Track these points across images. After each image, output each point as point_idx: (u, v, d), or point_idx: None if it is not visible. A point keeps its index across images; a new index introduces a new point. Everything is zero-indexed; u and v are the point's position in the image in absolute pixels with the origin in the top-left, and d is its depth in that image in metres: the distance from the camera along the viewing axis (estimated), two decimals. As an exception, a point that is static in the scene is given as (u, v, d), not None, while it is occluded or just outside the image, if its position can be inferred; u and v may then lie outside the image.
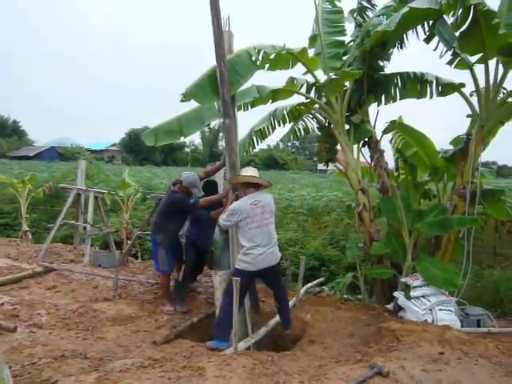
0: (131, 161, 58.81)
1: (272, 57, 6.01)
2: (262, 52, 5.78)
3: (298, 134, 8.29)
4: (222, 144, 73.83)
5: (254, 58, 5.68)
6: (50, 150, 59.64)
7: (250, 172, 5.27)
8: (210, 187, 6.41)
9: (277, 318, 5.57)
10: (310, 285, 7.49)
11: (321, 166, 57.25)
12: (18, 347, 4.57)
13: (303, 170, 56.65)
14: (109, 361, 4.33)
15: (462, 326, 5.68)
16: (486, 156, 6.56)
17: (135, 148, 63.88)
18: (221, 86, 5.34)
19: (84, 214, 9.66)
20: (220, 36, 5.31)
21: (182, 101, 5.49)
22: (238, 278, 4.47)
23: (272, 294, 5.57)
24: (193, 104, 5.88)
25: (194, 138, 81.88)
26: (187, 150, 70.70)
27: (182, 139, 6.76)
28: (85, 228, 9.47)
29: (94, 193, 9.05)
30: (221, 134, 72.79)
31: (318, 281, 7.94)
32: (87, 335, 5.15)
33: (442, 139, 7.27)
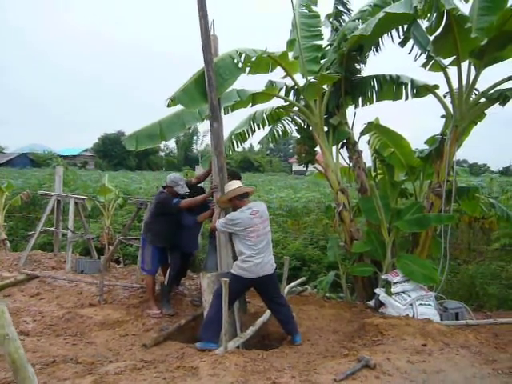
0: (105, 166, 58.11)
1: (253, 60, 6.11)
2: (243, 55, 5.88)
3: (277, 136, 8.42)
4: (196, 148, 73.71)
5: (236, 61, 5.78)
6: (21, 157, 58.42)
7: (235, 185, 5.33)
8: (198, 192, 6.49)
9: (263, 317, 5.67)
10: (292, 284, 7.61)
11: (296, 168, 57.65)
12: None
13: (278, 172, 56.90)
14: (100, 365, 4.36)
15: (442, 320, 5.88)
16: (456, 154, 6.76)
17: (108, 153, 63.18)
18: (209, 89, 5.41)
19: (63, 221, 9.61)
20: (207, 40, 5.37)
21: (169, 105, 5.56)
22: (227, 279, 4.58)
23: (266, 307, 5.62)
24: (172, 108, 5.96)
25: (169, 142, 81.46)
26: (161, 154, 70.20)
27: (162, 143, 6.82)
28: (64, 235, 9.42)
29: (75, 199, 9.01)
30: (195, 138, 72.70)
31: (299, 280, 8.07)
32: (76, 340, 5.18)
33: (413, 138, 7.46)
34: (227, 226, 5.11)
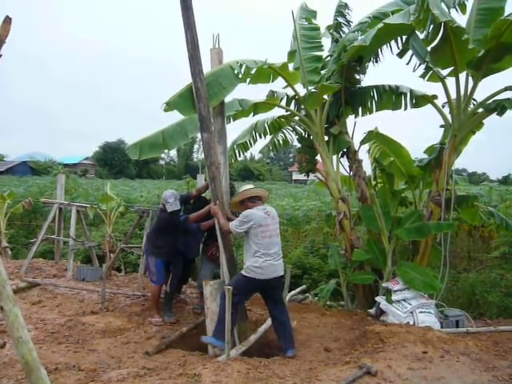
0: (105, 174, 58.25)
1: (253, 71, 6.20)
2: (244, 66, 5.98)
3: (278, 145, 8.51)
4: (197, 156, 73.87)
5: (236, 72, 5.86)
6: (21, 165, 58.62)
7: (247, 187, 5.45)
8: (202, 203, 6.54)
9: (265, 325, 5.71)
10: (293, 292, 7.67)
11: (296, 177, 57.76)
12: (9, 362, 4.60)
13: (278, 181, 56.99)
14: (103, 372, 4.41)
15: (442, 327, 5.91)
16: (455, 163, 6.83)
17: (109, 161, 63.32)
18: (197, 101, 5.43)
19: (65, 229, 9.66)
20: (194, 51, 5.37)
21: (165, 110, 5.62)
22: (230, 287, 4.63)
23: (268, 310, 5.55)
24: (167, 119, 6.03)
25: (170, 151, 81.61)
26: (162, 162, 70.37)
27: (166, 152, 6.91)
28: (65, 243, 9.46)
29: (77, 207, 9.06)
30: (196, 147, 72.89)
31: (300, 288, 8.13)
32: (78, 348, 5.20)
33: (413, 148, 7.53)
34: (242, 223, 5.10)
